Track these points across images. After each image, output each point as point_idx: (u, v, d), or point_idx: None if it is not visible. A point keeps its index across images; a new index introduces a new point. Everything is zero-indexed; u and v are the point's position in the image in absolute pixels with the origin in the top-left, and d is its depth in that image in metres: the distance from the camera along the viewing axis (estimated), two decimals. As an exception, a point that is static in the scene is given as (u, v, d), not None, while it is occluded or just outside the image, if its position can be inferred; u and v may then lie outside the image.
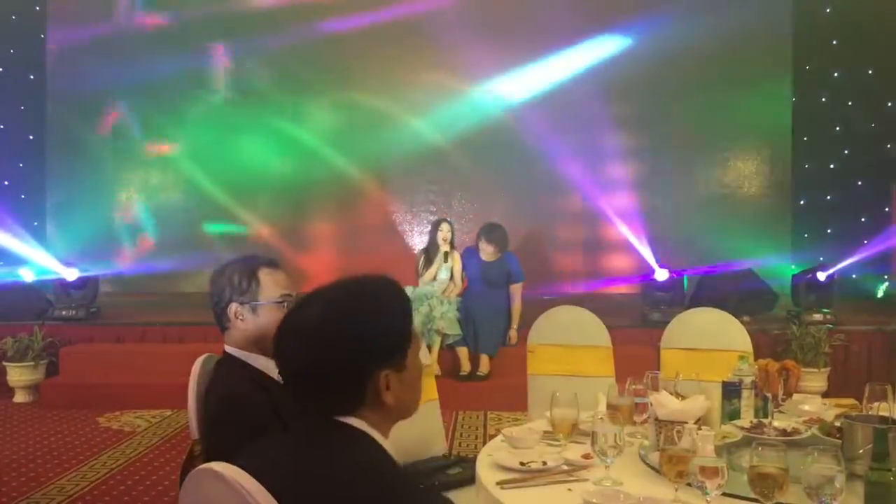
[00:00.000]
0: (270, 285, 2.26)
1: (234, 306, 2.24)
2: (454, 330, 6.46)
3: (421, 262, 6.72)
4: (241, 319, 2.24)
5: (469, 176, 8.96)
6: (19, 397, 6.66)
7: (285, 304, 2.26)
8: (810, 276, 7.16)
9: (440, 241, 6.64)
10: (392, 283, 1.57)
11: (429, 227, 7.01)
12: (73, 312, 7.26)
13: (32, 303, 7.34)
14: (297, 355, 1.48)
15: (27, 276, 7.65)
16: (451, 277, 6.66)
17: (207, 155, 8.93)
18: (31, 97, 8.65)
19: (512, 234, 6.92)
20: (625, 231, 8.44)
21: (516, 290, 6.63)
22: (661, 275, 7.33)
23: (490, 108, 8.83)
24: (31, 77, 8.67)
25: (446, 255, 6.63)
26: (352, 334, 1.47)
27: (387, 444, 1.49)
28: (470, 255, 6.76)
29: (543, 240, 8.98)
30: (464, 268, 6.71)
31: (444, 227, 6.69)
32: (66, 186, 8.83)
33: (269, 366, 2.27)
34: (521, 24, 8.66)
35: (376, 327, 1.50)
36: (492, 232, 6.65)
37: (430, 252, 6.71)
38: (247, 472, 1.38)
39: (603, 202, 8.81)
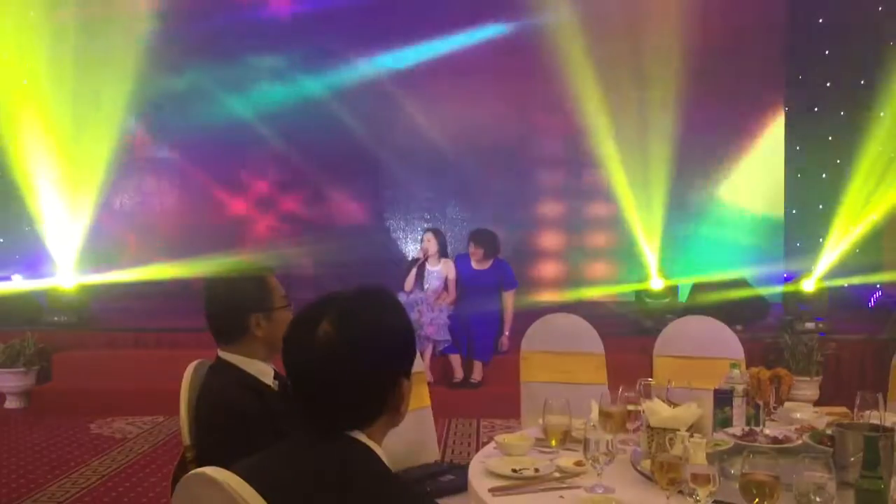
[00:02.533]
0: (277, 289, 2.32)
1: (254, 316, 2.25)
2: (443, 335, 6.45)
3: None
4: (259, 326, 2.26)
5: (463, 184, 8.98)
6: (10, 403, 6.63)
7: (290, 305, 2.32)
8: (803, 284, 7.19)
9: (423, 251, 6.68)
10: (390, 291, 1.58)
11: (421, 235, 7.02)
12: (66, 318, 7.24)
13: (24, 308, 7.32)
14: (320, 373, 1.44)
15: (19, 281, 7.63)
16: (446, 286, 6.68)
17: (201, 160, 8.92)
18: (25, 100, 8.62)
19: (506, 241, 6.94)
20: (620, 239, 8.46)
21: (509, 297, 6.65)
22: (657, 283, 7.37)
23: (484, 116, 8.85)
24: (25, 81, 8.65)
25: (424, 261, 6.65)
26: (376, 344, 1.46)
27: (382, 453, 1.50)
28: (462, 261, 6.78)
29: (538, 247, 8.99)
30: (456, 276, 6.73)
31: (426, 236, 6.74)
32: (59, 190, 8.80)
33: (264, 371, 2.28)
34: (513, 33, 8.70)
35: (396, 336, 1.51)
36: (479, 235, 6.70)
37: (413, 263, 6.77)
38: (242, 478, 1.37)
39: (598, 211, 8.83)
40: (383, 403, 1.48)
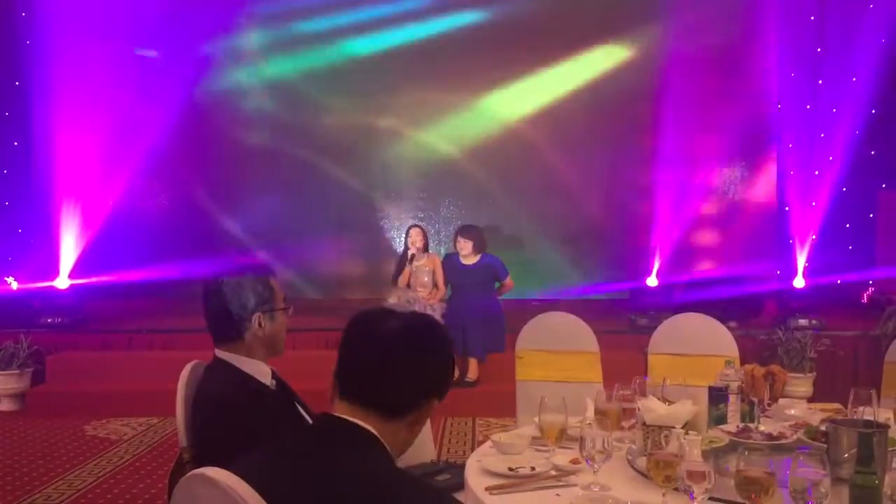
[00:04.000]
0: (279, 291, 2.34)
1: (258, 315, 2.27)
2: None
3: (394, 271, 6.86)
4: (262, 327, 2.27)
5: (458, 182, 8.99)
6: (4, 405, 6.60)
7: (289, 307, 2.36)
8: (796, 281, 7.22)
9: (409, 245, 6.71)
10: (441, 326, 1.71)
11: (407, 230, 7.03)
12: (60, 320, 7.22)
13: (18, 310, 7.29)
14: (376, 353, 1.55)
15: (12, 284, 7.60)
16: (435, 284, 6.71)
17: (194, 161, 8.91)
18: (16, 103, 8.59)
19: (501, 240, 6.98)
20: (614, 237, 8.47)
21: (508, 282, 6.78)
22: (652, 281, 7.39)
23: (480, 117, 8.87)
24: (17, 83, 8.62)
25: (412, 257, 6.69)
26: (430, 355, 1.59)
27: (389, 451, 1.52)
28: (451, 260, 6.81)
29: (532, 245, 9.00)
30: (446, 272, 6.75)
31: (413, 232, 6.80)
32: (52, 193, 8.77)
33: (262, 371, 2.28)
34: (514, 38, 8.70)
35: (444, 359, 1.63)
36: (467, 230, 6.80)
37: (401, 258, 6.84)
38: (241, 477, 1.38)
39: (592, 209, 8.85)
40: (412, 405, 1.54)
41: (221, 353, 2.28)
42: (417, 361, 1.56)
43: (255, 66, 8.99)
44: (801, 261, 7.71)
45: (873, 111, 8.13)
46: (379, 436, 1.49)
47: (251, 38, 8.96)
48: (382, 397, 1.53)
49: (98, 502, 4.51)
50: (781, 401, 2.89)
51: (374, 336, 1.57)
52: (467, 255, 6.69)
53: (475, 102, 8.91)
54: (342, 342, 1.60)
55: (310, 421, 2.31)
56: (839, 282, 7.96)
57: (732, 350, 3.59)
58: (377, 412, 1.51)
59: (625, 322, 7.23)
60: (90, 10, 8.41)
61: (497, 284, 6.77)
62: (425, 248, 6.81)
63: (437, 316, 6.44)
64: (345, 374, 1.57)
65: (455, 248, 6.79)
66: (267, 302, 2.29)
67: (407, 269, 6.69)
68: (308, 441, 1.52)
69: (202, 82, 8.89)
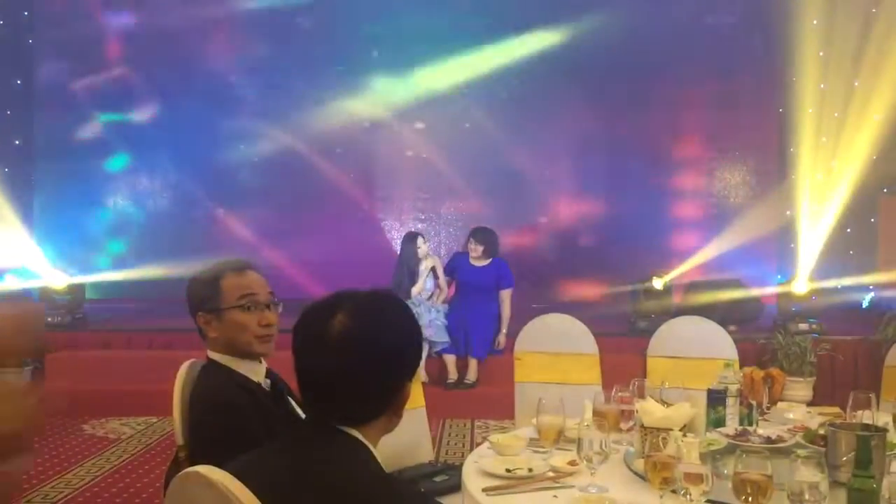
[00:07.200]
0: (231, 289, 2.24)
1: (200, 315, 2.26)
2: (441, 337, 6.47)
3: (404, 279, 6.67)
4: (211, 327, 2.26)
5: (458, 182, 8.99)
6: (3, 404, 6.60)
7: (246, 305, 2.23)
8: (796, 285, 7.21)
9: (421, 256, 6.67)
10: (398, 297, 1.61)
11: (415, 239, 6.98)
12: (59, 319, 7.22)
13: (17, 308, 7.28)
14: (331, 363, 1.45)
15: (12, 282, 7.60)
16: (438, 286, 6.71)
17: (193, 161, 8.92)
18: (18, 102, 8.61)
19: (501, 242, 6.96)
20: (615, 240, 8.47)
21: (506, 295, 6.64)
22: (654, 284, 7.38)
23: (478, 114, 8.87)
24: (18, 82, 8.64)
25: (419, 262, 6.66)
26: (391, 342, 1.49)
27: (377, 454, 1.50)
28: (460, 259, 6.79)
29: (531, 247, 9.00)
30: (451, 272, 6.73)
31: (420, 240, 6.75)
32: (52, 192, 8.79)
33: (254, 370, 2.27)
34: (510, 26, 8.72)
35: (409, 337, 1.53)
36: (480, 233, 6.71)
37: (408, 266, 6.70)
38: (235, 476, 1.37)
39: (593, 212, 8.85)
40: (386, 403, 1.49)
41: (211, 353, 2.29)
42: (377, 360, 1.45)
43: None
44: (802, 265, 7.70)
45: (876, 116, 8.13)
46: (363, 438, 1.46)
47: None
48: (351, 414, 1.46)
49: (96, 501, 4.51)
50: (780, 404, 2.89)
51: (323, 346, 1.44)
52: (478, 257, 6.67)
53: (474, 98, 8.91)
54: (293, 351, 1.49)
55: None
56: (840, 286, 7.95)
57: (732, 353, 3.58)
58: (352, 425, 1.47)
59: (624, 324, 7.22)
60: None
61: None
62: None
63: (441, 318, 6.48)
64: (304, 394, 1.48)
65: (467, 247, 6.76)
66: (207, 301, 2.24)
67: (421, 281, 6.64)
68: (300, 441, 1.51)
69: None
